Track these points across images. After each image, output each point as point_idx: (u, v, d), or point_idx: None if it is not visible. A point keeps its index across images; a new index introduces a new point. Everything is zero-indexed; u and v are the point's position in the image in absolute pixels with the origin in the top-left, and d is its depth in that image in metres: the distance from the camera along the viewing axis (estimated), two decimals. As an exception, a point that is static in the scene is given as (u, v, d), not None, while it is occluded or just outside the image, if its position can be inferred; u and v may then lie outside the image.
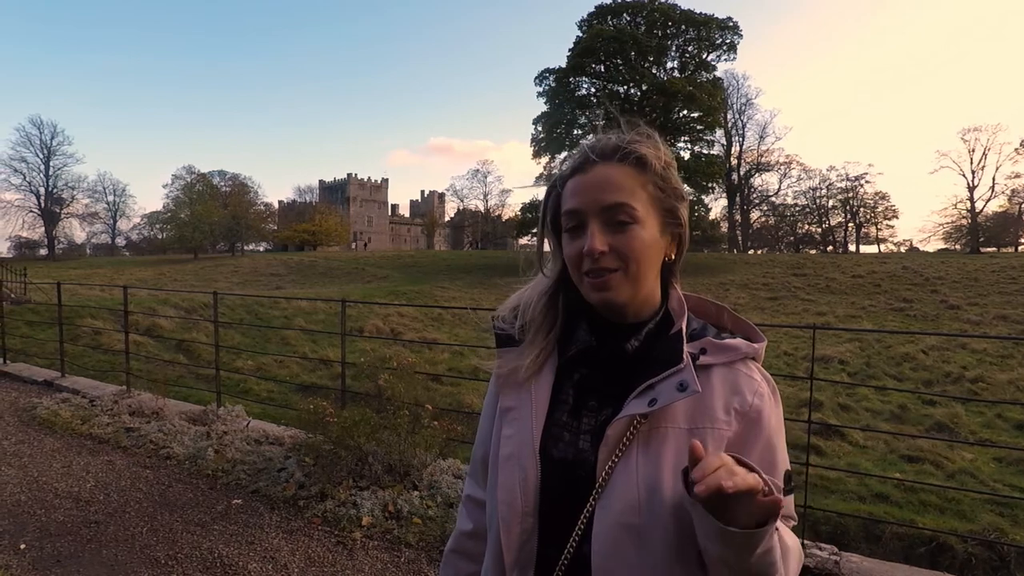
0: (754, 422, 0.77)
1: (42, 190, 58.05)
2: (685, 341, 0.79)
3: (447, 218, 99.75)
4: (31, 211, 58.03)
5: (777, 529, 0.68)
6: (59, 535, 3.31)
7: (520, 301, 0.91)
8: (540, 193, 0.94)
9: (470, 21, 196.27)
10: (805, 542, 3.09)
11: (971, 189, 50.20)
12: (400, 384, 4.08)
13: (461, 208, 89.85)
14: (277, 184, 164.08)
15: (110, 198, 64.90)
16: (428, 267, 37.14)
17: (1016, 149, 46.90)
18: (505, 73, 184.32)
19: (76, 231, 63.92)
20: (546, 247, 0.90)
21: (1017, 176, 49.30)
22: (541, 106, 40.59)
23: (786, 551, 0.71)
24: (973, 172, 49.81)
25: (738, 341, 0.82)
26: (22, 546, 3.18)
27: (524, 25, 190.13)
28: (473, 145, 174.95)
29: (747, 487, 0.61)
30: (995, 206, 51.73)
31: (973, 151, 49.46)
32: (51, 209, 58.53)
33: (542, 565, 0.80)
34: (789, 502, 0.79)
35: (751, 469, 0.64)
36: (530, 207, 39.81)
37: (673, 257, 0.85)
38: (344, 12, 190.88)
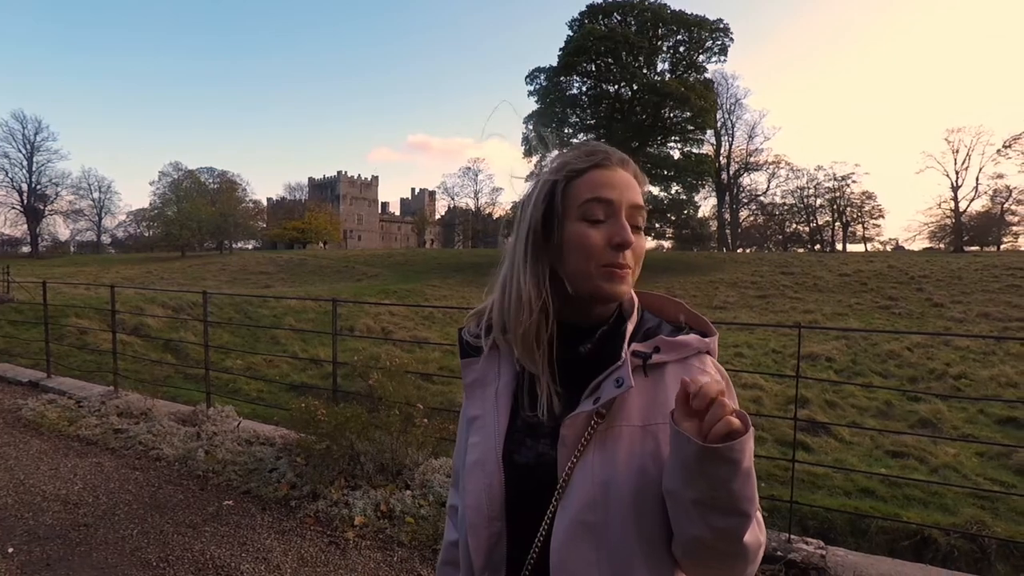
0: None
1: (25, 186, 57.24)
2: (627, 338, 0.81)
3: (438, 216, 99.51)
4: (13, 207, 57.25)
5: None
6: (48, 538, 3.28)
7: (488, 309, 0.90)
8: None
9: (453, 18, 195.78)
10: (792, 537, 3.14)
11: (955, 189, 50.94)
12: (391, 384, 4.08)
13: (452, 206, 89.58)
14: (266, 182, 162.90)
15: (95, 195, 64.24)
16: (419, 265, 37.02)
17: (998, 150, 47.64)
18: (486, 71, 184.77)
19: (60, 228, 63.26)
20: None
21: (999, 177, 50.14)
22: (529, 104, 40.62)
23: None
24: (957, 172, 50.56)
25: (690, 337, 0.83)
26: (10, 550, 3.15)
27: (510, 24, 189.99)
28: (452, 143, 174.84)
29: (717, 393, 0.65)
30: (978, 206, 52.65)
31: (957, 152, 50.22)
32: (34, 206, 57.69)
33: (512, 567, 0.83)
34: None
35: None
36: (521, 205, 39.70)
37: None
38: (328, 14, 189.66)
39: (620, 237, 0.79)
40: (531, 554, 0.79)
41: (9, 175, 56.07)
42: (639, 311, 0.88)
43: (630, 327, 0.83)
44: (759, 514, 0.76)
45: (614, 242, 0.79)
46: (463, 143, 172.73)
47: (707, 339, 0.84)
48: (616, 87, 40.01)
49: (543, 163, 0.90)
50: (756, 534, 0.73)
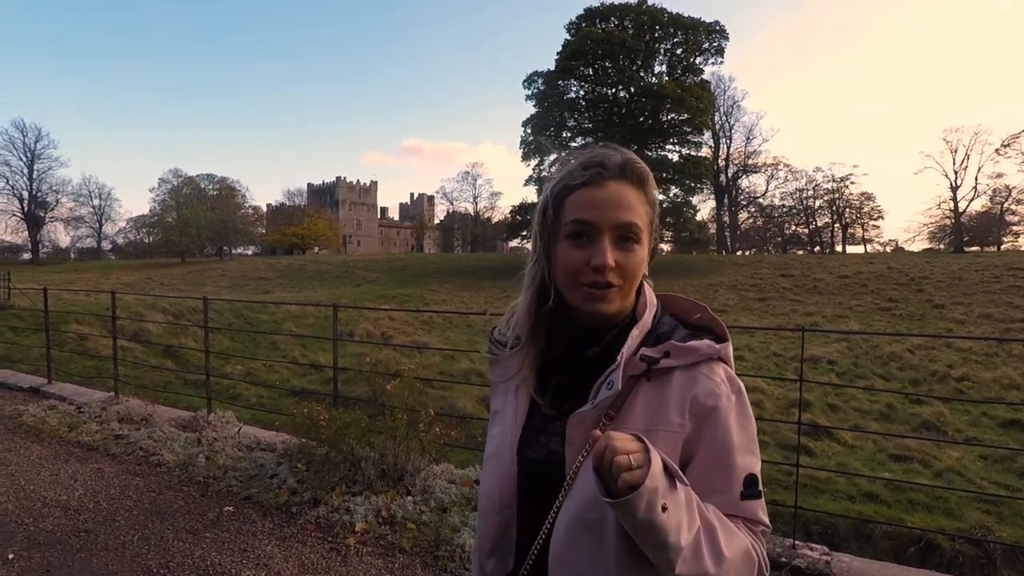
0: (704, 421, 0.79)
1: (26, 194, 57.39)
2: (628, 342, 0.82)
3: (437, 221, 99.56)
4: (14, 215, 57.35)
5: (715, 527, 0.73)
6: (48, 544, 3.26)
7: (513, 311, 0.95)
8: (532, 195, 0.94)
9: (448, 21, 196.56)
10: (796, 543, 3.12)
11: (954, 189, 50.83)
12: (407, 391, 4.06)
13: (451, 211, 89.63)
14: (265, 188, 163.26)
15: (95, 202, 64.34)
16: (418, 270, 37.03)
17: (997, 150, 47.57)
18: (480, 75, 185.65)
19: (61, 235, 63.41)
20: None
21: (998, 176, 50.05)
22: (527, 108, 40.76)
23: (717, 548, 0.71)
24: (956, 172, 50.45)
25: (701, 343, 0.83)
26: (10, 556, 3.14)
27: (505, 26, 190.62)
28: (446, 147, 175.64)
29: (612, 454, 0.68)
30: (978, 206, 52.51)
31: (955, 152, 50.12)
32: (35, 213, 57.81)
33: (520, 556, 0.87)
34: (754, 507, 0.79)
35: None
36: (520, 209, 39.81)
37: (648, 268, 0.89)
38: (322, 18, 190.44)
39: (597, 260, 0.80)
40: (534, 547, 0.82)
41: (10, 183, 56.25)
42: (656, 314, 0.89)
43: (636, 331, 0.84)
44: (721, 536, 0.72)
45: (592, 264, 0.80)
46: (455, 147, 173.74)
47: (718, 346, 0.84)
48: (614, 90, 40.11)
49: (540, 168, 0.90)
50: (698, 566, 0.70)
